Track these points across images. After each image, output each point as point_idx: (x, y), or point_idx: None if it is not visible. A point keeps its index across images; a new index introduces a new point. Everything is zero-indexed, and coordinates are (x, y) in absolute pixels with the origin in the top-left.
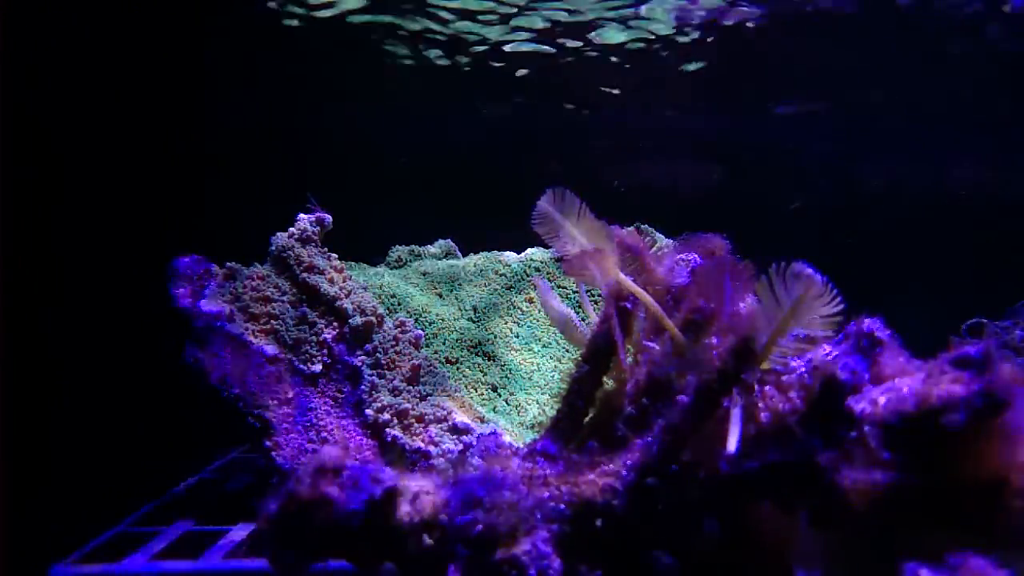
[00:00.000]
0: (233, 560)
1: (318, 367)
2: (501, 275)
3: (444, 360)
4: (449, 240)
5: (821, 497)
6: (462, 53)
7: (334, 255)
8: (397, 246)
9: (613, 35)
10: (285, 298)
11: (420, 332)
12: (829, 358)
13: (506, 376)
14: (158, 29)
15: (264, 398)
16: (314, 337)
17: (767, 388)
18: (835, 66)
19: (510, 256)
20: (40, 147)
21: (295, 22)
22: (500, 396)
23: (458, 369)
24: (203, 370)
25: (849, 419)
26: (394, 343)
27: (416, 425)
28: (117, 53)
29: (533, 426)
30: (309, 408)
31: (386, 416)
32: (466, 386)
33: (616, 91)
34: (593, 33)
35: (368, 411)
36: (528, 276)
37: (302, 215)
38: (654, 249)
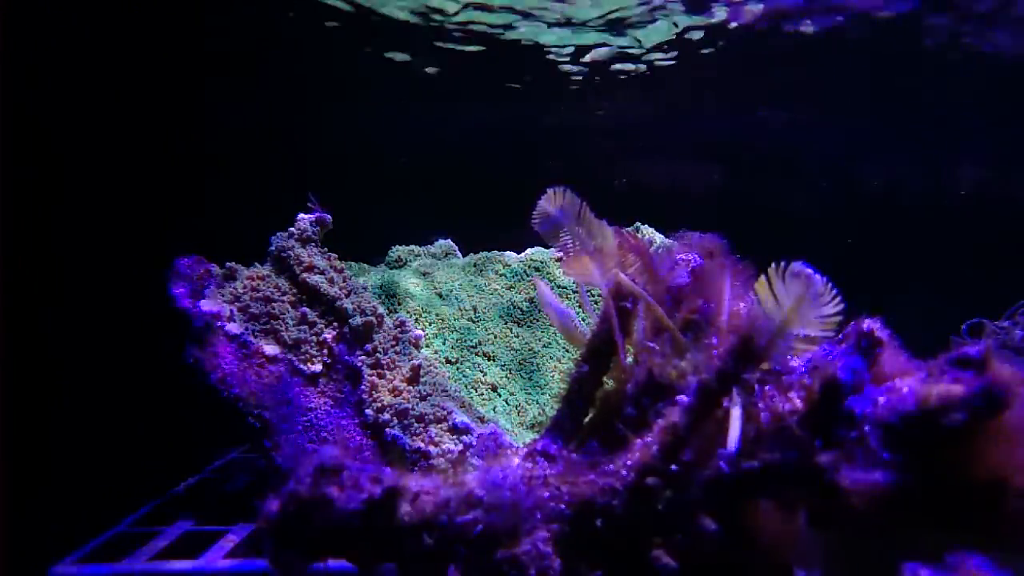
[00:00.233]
0: (233, 560)
1: (318, 367)
2: (501, 275)
3: (444, 360)
4: (449, 240)
5: (821, 497)
6: (462, 53)
7: (334, 255)
8: (397, 246)
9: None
10: (285, 298)
11: (420, 332)
12: (829, 358)
13: (506, 376)
14: (158, 29)
15: (264, 398)
16: (314, 337)
17: (767, 388)
18: (836, 66)
19: (510, 256)
20: (40, 147)
21: (295, 21)
22: (500, 396)
23: (458, 369)
24: (203, 370)
25: (849, 419)
26: (394, 343)
27: (416, 425)
28: (117, 53)
29: (533, 426)
30: (309, 408)
31: (386, 416)
32: (466, 386)
33: (617, 91)
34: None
35: (368, 411)
36: (528, 276)
37: (302, 215)
38: (654, 249)
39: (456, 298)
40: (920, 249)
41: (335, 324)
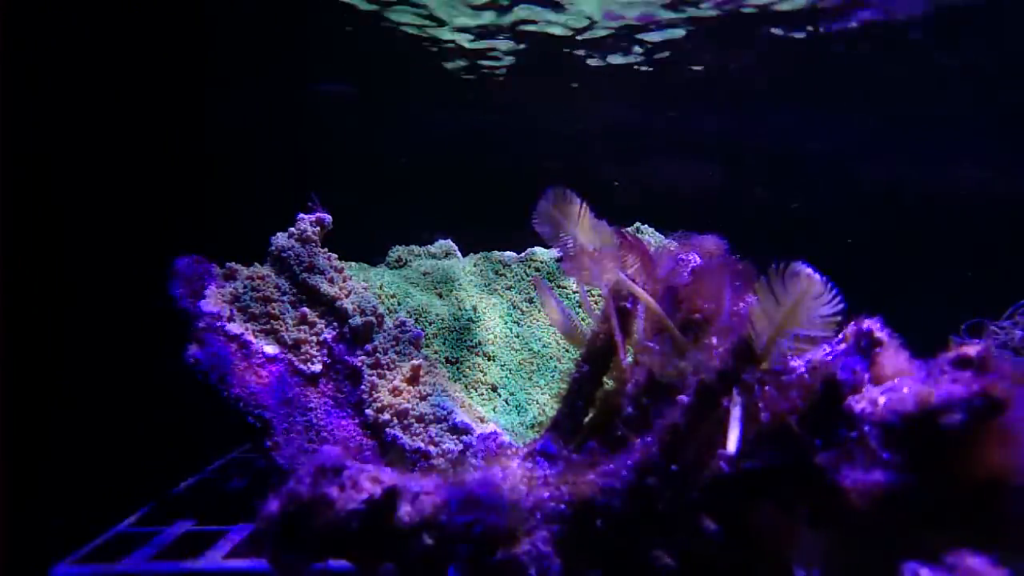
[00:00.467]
0: (233, 560)
1: (318, 367)
2: (501, 275)
3: (444, 360)
4: (449, 240)
5: (821, 497)
6: (463, 53)
7: (334, 255)
8: (397, 246)
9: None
10: (285, 298)
11: (420, 332)
12: (829, 358)
13: (506, 376)
14: (158, 29)
15: (264, 398)
16: (314, 337)
17: (767, 388)
18: (836, 67)
19: (510, 256)
20: (40, 147)
21: (296, 21)
22: (500, 396)
23: (458, 369)
24: (203, 370)
25: (849, 419)
26: (394, 343)
27: (416, 425)
28: (117, 53)
29: (533, 426)
30: (309, 408)
31: (386, 416)
32: (466, 386)
33: (617, 91)
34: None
35: (368, 411)
36: (528, 276)
37: (302, 215)
38: (654, 249)
39: (456, 298)
40: (920, 249)
41: (335, 324)
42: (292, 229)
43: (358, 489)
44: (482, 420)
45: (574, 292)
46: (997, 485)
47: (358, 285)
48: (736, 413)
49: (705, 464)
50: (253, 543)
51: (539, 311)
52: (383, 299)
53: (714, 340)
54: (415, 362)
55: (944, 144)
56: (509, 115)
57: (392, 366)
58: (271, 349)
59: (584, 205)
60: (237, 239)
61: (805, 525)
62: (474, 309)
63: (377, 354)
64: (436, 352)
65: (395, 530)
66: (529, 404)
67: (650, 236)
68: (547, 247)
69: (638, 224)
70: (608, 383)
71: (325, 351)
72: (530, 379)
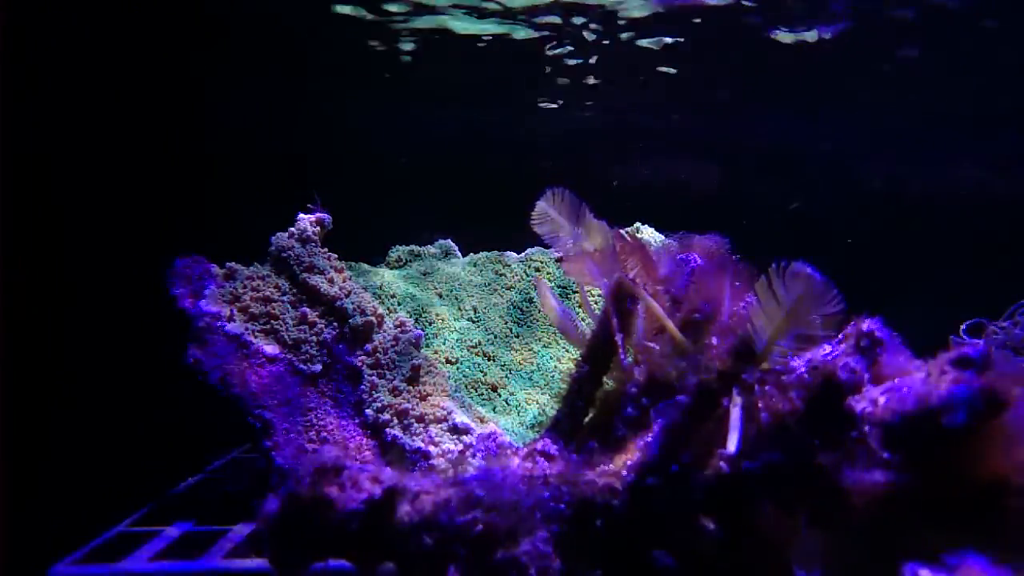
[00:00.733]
0: (233, 560)
1: (318, 367)
2: (501, 275)
3: (444, 360)
4: (449, 240)
5: (821, 497)
6: (463, 52)
7: (334, 255)
8: (397, 246)
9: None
10: (285, 298)
11: (420, 332)
12: (829, 358)
13: (506, 376)
14: (158, 29)
15: (264, 398)
16: (314, 337)
17: (767, 388)
18: (836, 67)
19: (510, 256)
20: (40, 147)
21: (296, 21)
22: (500, 396)
23: (458, 369)
24: (203, 370)
25: (849, 419)
26: (394, 343)
27: (416, 425)
28: (117, 53)
29: (533, 426)
30: (309, 408)
31: (386, 416)
32: (466, 386)
33: (618, 91)
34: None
35: (368, 411)
36: (528, 276)
37: (302, 215)
38: (654, 249)
39: (456, 298)
40: (920, 249)
41: (335, 324)
42: (292, 229)
43: (358, 489)
44: (482, 420)
45: (574, 292)
46: (998, 485)
47: (358, 285)
48: (736, 413)
49: (705, 464)
50: (253, 543)
51: (539, 311)
52: (383, 299)
53: (714, 340)
54: (415, 362)
55: (944, 144)
56: (509, 115)
57: (392, 366)
58: (271, 349)
59: (583, 205)
60: (237, 239)
61: (805, 525)
62: (474, 309)
63: (377, 354)
64: (436, 352)
65: (395, 530)
66: (529, 404)
67: (650, 236)
68: (547, 247)
69: (638, 224)
70: (608, 383)
71: (325, 351)
72: (530, 379)
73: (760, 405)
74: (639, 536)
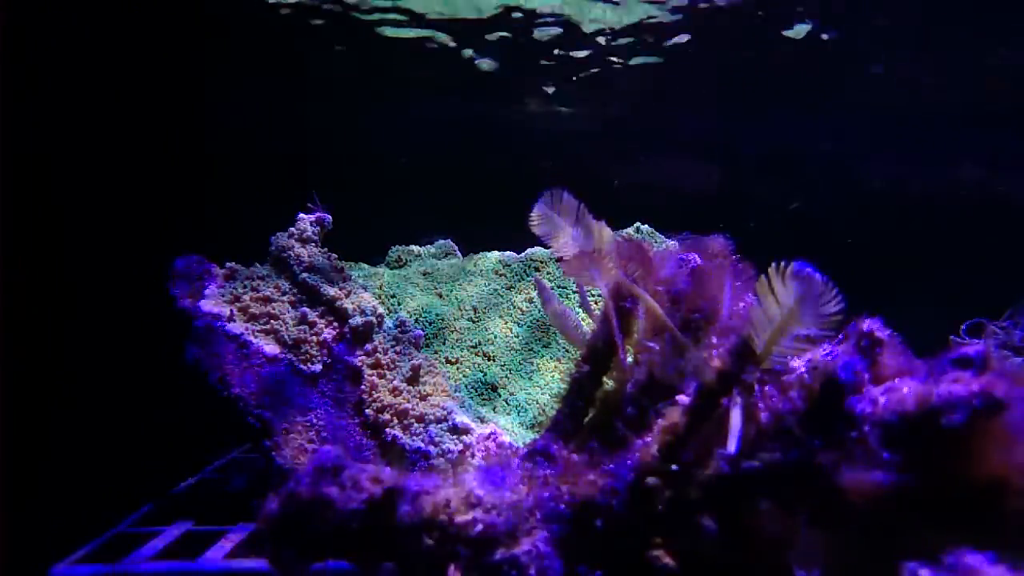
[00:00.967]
0: (233, 560)
1: (318, 367)
2: (501, 275)
3: (444, 360)
4: (449, 240)
5: (821, 497)
6: (463, 52)
7: (334, 255)
8: (397, 246)
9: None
10: (285, 298)
11: (420, 332)
12: (829, 358)
13: (506, 376)
14: (158, 29)
15: (264, 398)
16: (314, 337)
17: (767, 388)
18: (837, 66)
19: (510, 256)
20: (40, 147)
21: (295, 20)
22: (500, 396)
23: (458, 369)
24: (203, 370)
25: (849, 419)
26: (394, 343)
27: (416, 425)
28: (117, 53)
29: (533, 426)
30: (309, 408)
31: (386, 416)
32: (466, 386)
33: (617, 89)
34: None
35: (368, 411)
36: (528, 276)
37: (302, 215)
38: (654, 249)
39: (456, 298)
40: (920, 249)
41: (335, 324)
42: (292, 229)
43: (358, 489)
44: (482, 420)
45: (574, 292)
46: (997, 485)
47: (358, 285)
48: (736, 413)
49: (705, 464)
50: (253, 543)
51: (539, 311)
52: (383, 299)
53: (714, 340)
54: (415, 362)
55: (944, 144)
56: (509, 115)
57: (392, 366)
58: (271, 349)
59: (582, 206)
60: (237, 239)
61: (805, 525)
62: (474, 309)
63: (377, 354)
64: (436, 352)
65: (395, 530)
66: (529, 404)
67: (650, 236)
68: (547, 247)
69: (638, 224)
70: (608, 383)
71: (325, 351)
72: (530, 379)
73: (760, 405)
74: (639, 536)
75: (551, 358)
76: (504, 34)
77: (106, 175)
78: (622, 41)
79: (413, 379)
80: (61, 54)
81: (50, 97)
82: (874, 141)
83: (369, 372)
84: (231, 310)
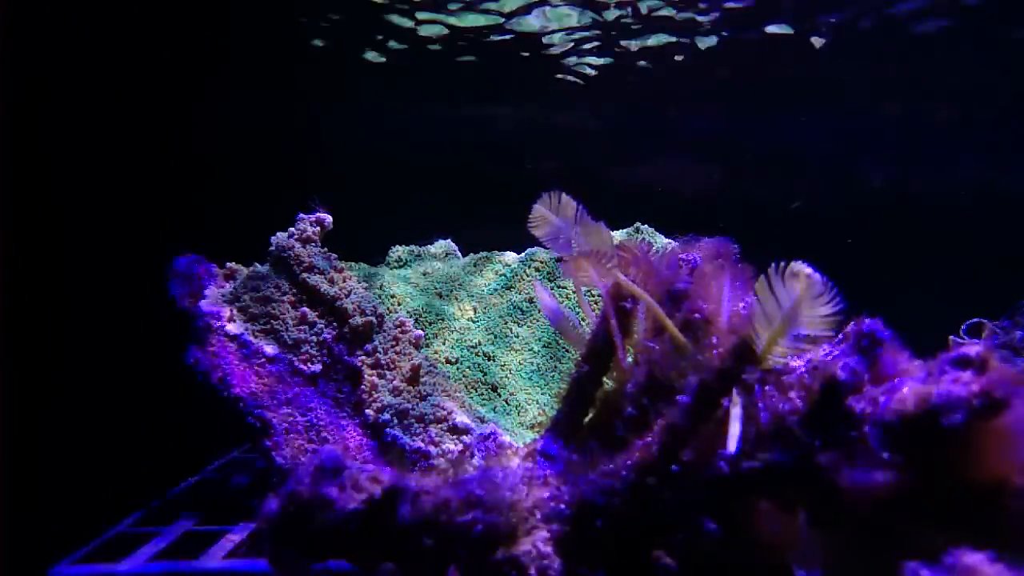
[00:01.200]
0: (233, 560)
1: (318, 367)
2: (501, 275)
3: (444, 360)
4: (449, 240)
5: (821, 497)
6: (463, 51)
7: (334, 255)
8: (397, 246)
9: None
10: (285, 298)
11: (420, 332)
12: (829, 358)
13: (506, 376)
14: (158, 29)
15: (264, 398)
16: (314, 337)
17: (767, 388)
18: (836, 66)
19: (510, 256)
20: (40, 147)
21: (295, 20)
22: (500, 396)
23: (458, 369)
24: (203, 370)
25: (849, 419)
26: (394, 343)
27: (416, 425)
28: (117, 53)
29: (533, 426)
30: (309, 408)
31: (386, 416)
32: (466, 386)
33: (617, 89)
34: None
35: (368, 411)
36: (528, 276)
37: (302, 215)
38: (654, 249)
39: (456, 298)
40: (920, 249)
41: (335, 324)
42: (292, 229)
43: (358, 489)
44: (482, 420)
45: (575, 292)
46: (997, 485)
47: (358, 285)
48: (736, 413)
49: (705, 464)
50: (253, 543)
51: (539, 311)
52: (383, 299)
53: (714, 340)
54: (415, 362)
55: (944, 144)
56: (509, 114)
57: (392, 366)
58: (271, 349)
59: (580, 207)
60: (237, 239)
61: (805, 525)
62: (474, 309)
63: (377, 354)
64: (436, 352)
65: (395, 530)
66: (529, 404)
67: (650, 236)
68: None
69: (638, 224)
70: (608, 383)
71: (325, 351)
72: (530, 379)
73: (760, 405)
74: (639, 536)
75: (551, 358)
76: (504, 37)
77: (106, 175)
78: (622, 41)
79: (413, 379)
80: (61, 54)
81: (50, 97)
82: (874, 141)
83: (369, 372)
84: (231, 310)
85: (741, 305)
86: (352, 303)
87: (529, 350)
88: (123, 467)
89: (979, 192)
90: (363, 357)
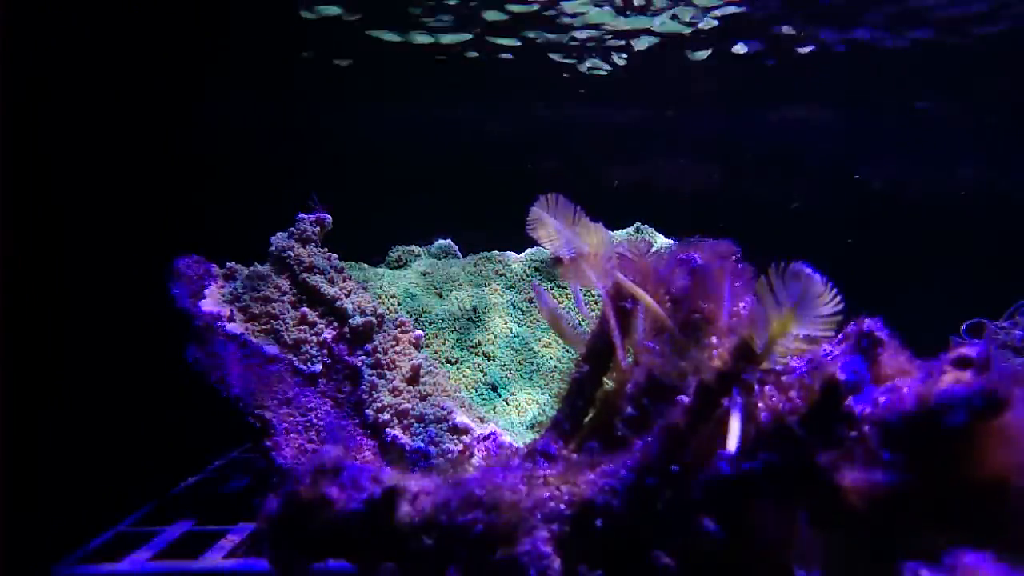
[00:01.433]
0: (233, 560)
1: (318, 367)
2: (501, 275)
3: (444, 360)
4: (449, 240)
5: (821, 497)
6: (463, 50)
7: (334, 255)
8: (397, 246)
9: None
10: (285, 298)
11: (420, 332)
12: (829, 358)
13: (506, 376)
14: (158, 30)
15: (264, 398)
16: (314, 337)
17: (767, 388)
18: (836, 65)
19: (510, 256)
20: (40, 147)
21: (295, 20)
22: (500, 396)
23: (458, 369)
24: (203, 370)
25: (849, 419)
26: (394, 343)
27: (416, 425)
28: (117, 53)
29: (533, 426)
30: (309, 408)
31: (386, 416)
32: (466, 386)
33: (617, 89)
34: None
35: (368, 411)
36: (528, 276)
37: (302, 215)
38: (654, 249)
39: (456, 298)
40: (920, 249)
41: (335, 324)
42: (292, 229)
43: (358, 489)
44: (482, 420)
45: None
46: (998, 485)
47: (358, 285)
48: (736, 413)
49: (705, 464)
50: (253, 543)
51: (539, 311)
52: (383, 299)
53: (714, 340)
54: (415, 362)
55: (944, 144)
56: (509, 115)
57: (392, 366)
58: (271, 349)
59: (577, 209)
60: (237, 239)
61: (805, 525)
62: (474, 309)
63: (377, 354)
64: (436, 352)
65: (395, 530)
66: (529, 404)
67: (650, 236)
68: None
69: (638, 224)
70: (608, 383)
71: (325, 351)
72: (530, 379)
73: (760, 405)
74: (639, 536)
75: (551, 358)
76: (506, 41)
77: (106, 175)
78: (622, 42)
79: (413, 379)
80: (61, 54)
81: (50, 97)
82: (874, 141)
83: (369, 372)
84: (231, 310)
85: (741, 305)
86: (352, 303)
87: (529, 350)
88: (123, 467)
89: (979, 192)
90: (363, 357)
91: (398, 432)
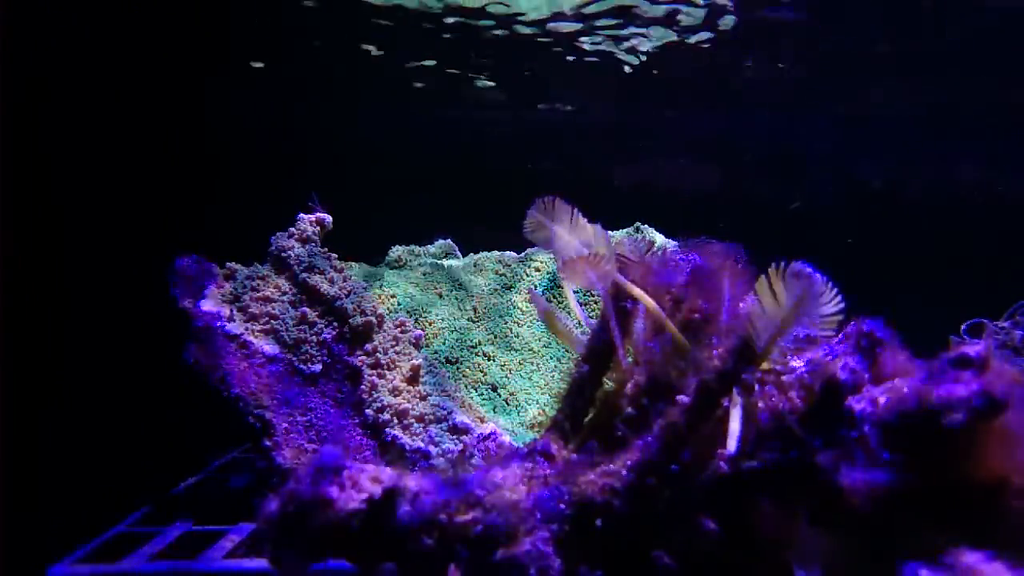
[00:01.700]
0: (233, 560)
1: (318, 367)
2: (501, 275)
3: (444, 360)
4: (449, 240)
5: (821, 497)
6: (463, 50)
7: (334, 255)
8: (397, 246)
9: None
10: (285, 298)
11: (420, 332)
12: (829, 358)
13: (506, 376)
14: (158, 29)
15: (264, 398)
16: (314, 337)
17: (767, 388)
18: (837, 66)
19: (510, 256)
20: (40, 147)
21: (295, 20)
22: (500, 396)
23: (458, 369)
24: (203, 370)
25: (849, 419)
26: (394, 343)
27: (416, 425)
28: (117, 53)
29: (533, 426)
30: (309, 408)
31: (386, 416)
32: (466, 386)
33: (617, 89)
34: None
35: (368, 411)
36: (528, 276)
37: (302, 215)
38: (654, 249)
39: (456, 298)
40: (920, 249)
41: (335, 324)
42: (292, 229)
43: (358, 489)
44: (482, 420)
45: (575, 292)
46: (998, 485)
47: (358, 285)
48: (736, 413)
49: (705, 464)
50: (253, 543)
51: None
52: (383, 299)
53: (714, 340)
54: (415, 362)
55: (944, 144)
56: (509, 115)
57: (392, 366)
58: (271, 349)
59: (575, 210)
60: (237, 239)
61: (805, 525)
62: (474, 309)
63: (377, 354)
64: (436, 352)
65: (395, 530)
66: (529, 404)
67: (650, 236)
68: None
69: (638, 224)
70: (608, 383)
71: (325, 351)
72: (530, 379)
73: (760, 405)
74: (639, 536)
75: (551, 358)
76: (503, 33)
77: (106, 175)
78: (623, 42)
79: (413, 379)
80: (61, 54)
81: (50, 97)
82: (874, 141)
83: (369, 372)
84: (231, 310)
85: (741, 305)
86: (352, 303)
87: (529, 350)
88: (123, 467)
89: (979, 192)
90: (363, 357)
91: (398, 432)
